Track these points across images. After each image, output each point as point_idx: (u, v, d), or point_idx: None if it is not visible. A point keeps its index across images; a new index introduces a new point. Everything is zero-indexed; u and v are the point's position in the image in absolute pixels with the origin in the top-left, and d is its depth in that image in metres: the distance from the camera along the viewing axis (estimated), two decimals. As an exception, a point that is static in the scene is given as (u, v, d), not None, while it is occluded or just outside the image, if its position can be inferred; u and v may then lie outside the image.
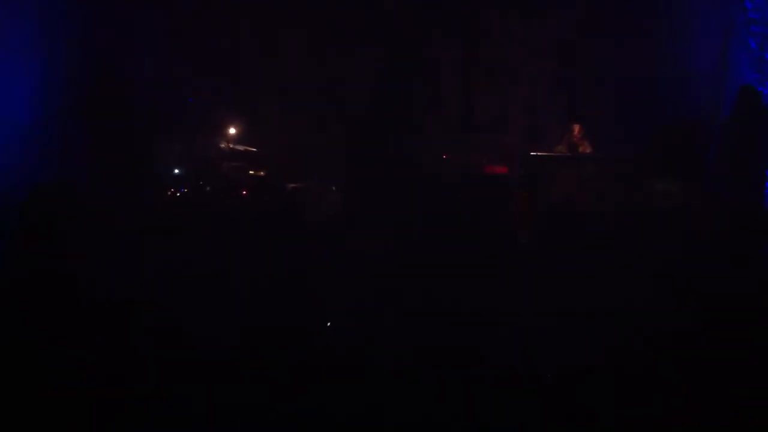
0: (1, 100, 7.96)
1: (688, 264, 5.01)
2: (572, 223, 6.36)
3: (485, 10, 9.63)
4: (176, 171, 8.79)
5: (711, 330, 3.81)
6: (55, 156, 8.20)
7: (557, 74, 9.49)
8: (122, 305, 4.18)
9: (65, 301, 4.11)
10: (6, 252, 5.08)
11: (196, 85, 9.43)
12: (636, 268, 4.94)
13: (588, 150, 8.12)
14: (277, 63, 9.74)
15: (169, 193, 8.04)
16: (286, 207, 7.37)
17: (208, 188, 8.22)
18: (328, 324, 4.26)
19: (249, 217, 6.92)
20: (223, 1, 9.49)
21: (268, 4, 9.62)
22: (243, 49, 9.67)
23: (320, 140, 8.58)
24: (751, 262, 5.05)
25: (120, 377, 3.35)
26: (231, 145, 8.95)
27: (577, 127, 8.16)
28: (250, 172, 8.76)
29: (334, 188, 8.21)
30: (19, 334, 3.72)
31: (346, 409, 3.21)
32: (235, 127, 9.14)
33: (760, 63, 8.16)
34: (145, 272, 4.83)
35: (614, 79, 8.89)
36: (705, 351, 3.59)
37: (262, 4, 9.61)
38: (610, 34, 8.99)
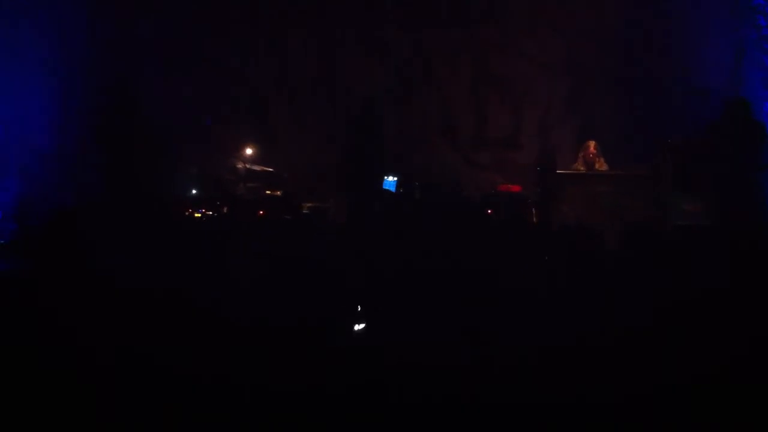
0: (20, 125, 8.08)
1: (699, 280, 5.00)
2: (588, 240, 6.36)
3: (497, 28, 9.72)
4: (193, 192, 8.87)
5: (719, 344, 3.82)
6: (72, 179, 8.29)
7: (571, 91, 9.55)
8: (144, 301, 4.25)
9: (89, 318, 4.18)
10: (25, 276, 5.14)
11: (213, 105, 9.54)
12: (651, 286, 4.94)
13: (604, 167, 8.13)
14: (293, 81, 9.86)
15: (186, 213, 8.09)
16: (302, 225, 7.41)
17: (225, 209, 8.26)
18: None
19: (265, 236, 6.96)
20: (240, 22, 9.62)
21: (285, 25, 9.76)
22: (260, 68, 9.80)
23: (337, 158, 8.64)
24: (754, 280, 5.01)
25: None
26: (247, 165, 9.01)
27: (592, 144, 8.17)
28: (267, 191, 8.80)
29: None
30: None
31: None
32: (251, 147, 9.22)
33: (773, 80, 8.19)
34: (166, 280, 4.89)
35: (628, 96, 8.94)
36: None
37: (280, 25, 9.75)
38: (623, 51, 9.05)
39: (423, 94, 9.85)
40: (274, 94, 9.86)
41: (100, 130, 8.37)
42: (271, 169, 9.07)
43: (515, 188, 8.68)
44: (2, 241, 7.08)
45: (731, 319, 3.82)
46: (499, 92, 9.81)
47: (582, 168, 8.16)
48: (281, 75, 9.87)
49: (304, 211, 8.22)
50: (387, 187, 8.47)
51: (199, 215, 8.07)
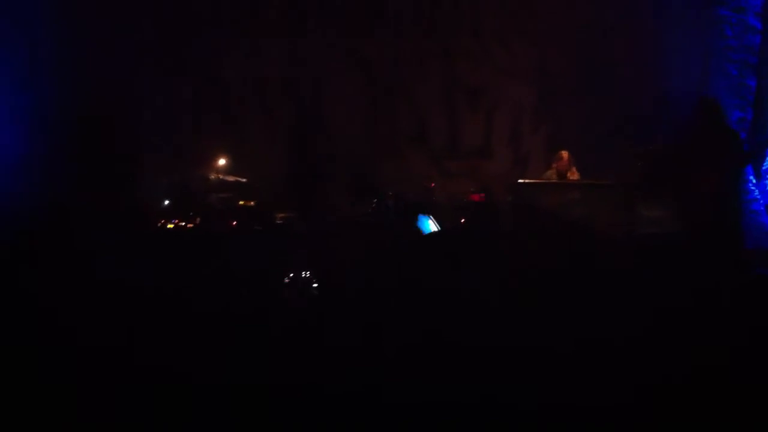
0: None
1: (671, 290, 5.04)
2: (561, 250, 6.39)
3: (467, 37, 9.82)
4: (166, 202, 8.82)
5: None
6: (44, 190, 8.19)
7: (540, 99, 9.66)
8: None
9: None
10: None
11: (185, 115, 9.51)
12: (623, 294, 4.98)
13: (576, 176, 8.18)
14: (269, 91, 9.85)
15: (159, 224, 8.04)
16: (274, 235, 7.41)
17: (197, 219, 8.23)
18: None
19: (237, 246, 6.94)
20: (215, 29, 9.59)
21: (257, 32, 9.75)
22: (232, 77, 9.78)
23: (310, 168, 8.66)
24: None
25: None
26: (220, 176, 8.98)
27: (565, 154, 8.23)
28: (240, 202, 8.78)
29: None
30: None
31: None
32: (224, 158, 9.19)
33: (741, 88, 8.27)
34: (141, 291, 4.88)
35: (597, 104, 9.04)
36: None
37: (255, 34, 9.74)
38: (592, 60, 9.16)
39: (395, 103, 9.90)
40: (249, 103, 9.84)
41: (71, 138, 8.29)
42: (244, 180, 9.05)
43: (479, 196, 8.73)
44: None
45: (704, 325, 3.87)
46: (470, 101, 9.90)
47: (554, 178, 8.21)
48: (256, 85, 9.86)
49: (278, 222, 8.21)
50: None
51: (172, 226, 8.02)
